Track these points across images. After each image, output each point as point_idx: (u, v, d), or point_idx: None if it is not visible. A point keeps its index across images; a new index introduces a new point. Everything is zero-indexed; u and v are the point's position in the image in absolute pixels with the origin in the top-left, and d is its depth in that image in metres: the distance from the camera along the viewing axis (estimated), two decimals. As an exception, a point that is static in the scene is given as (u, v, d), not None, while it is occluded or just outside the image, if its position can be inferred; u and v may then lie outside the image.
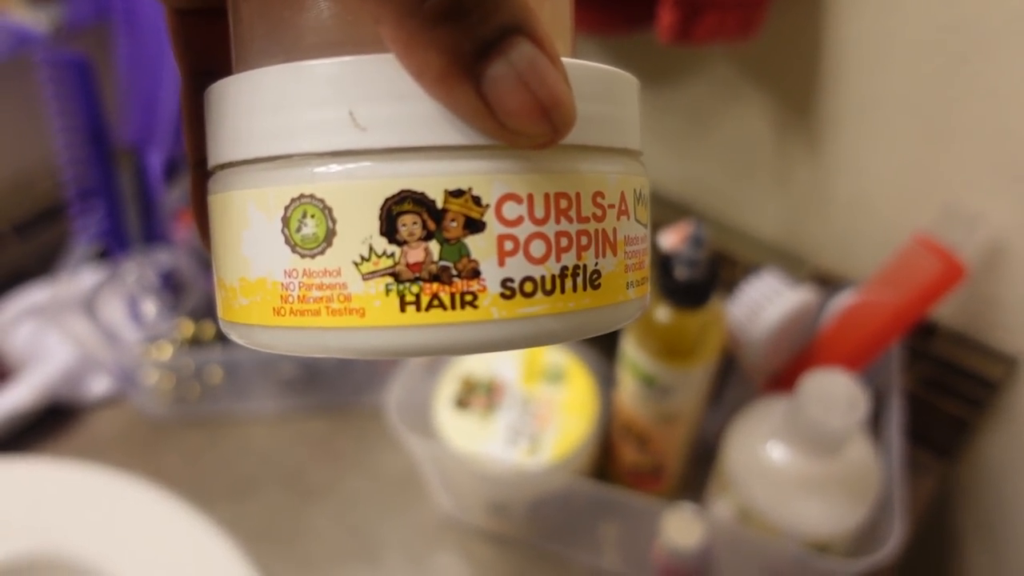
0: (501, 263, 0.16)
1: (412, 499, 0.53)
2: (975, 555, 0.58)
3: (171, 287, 0.59)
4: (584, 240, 0.17)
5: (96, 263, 0.61)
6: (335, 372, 0.57)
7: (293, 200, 0.17)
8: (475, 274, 0.17)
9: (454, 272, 0.17)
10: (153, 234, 0.60)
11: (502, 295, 0.17)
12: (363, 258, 0.17)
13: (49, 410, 0.57)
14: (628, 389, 0.44)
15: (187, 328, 0.58)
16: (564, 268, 0.17)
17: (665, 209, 0.58)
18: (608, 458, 0.52)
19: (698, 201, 0.57)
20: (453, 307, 0.17)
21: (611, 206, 0.17)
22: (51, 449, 0.56)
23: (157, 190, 0.59)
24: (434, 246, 0.16)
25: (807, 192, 0.50)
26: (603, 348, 0.54)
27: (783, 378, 0.47)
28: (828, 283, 0.51)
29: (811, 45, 0.44)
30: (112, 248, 0.60)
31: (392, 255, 0.16)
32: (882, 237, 0.46)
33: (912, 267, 0.39)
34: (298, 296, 0.17)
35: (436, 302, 0.17)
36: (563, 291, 0.17)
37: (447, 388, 0.49)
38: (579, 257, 0.17)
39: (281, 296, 0.17)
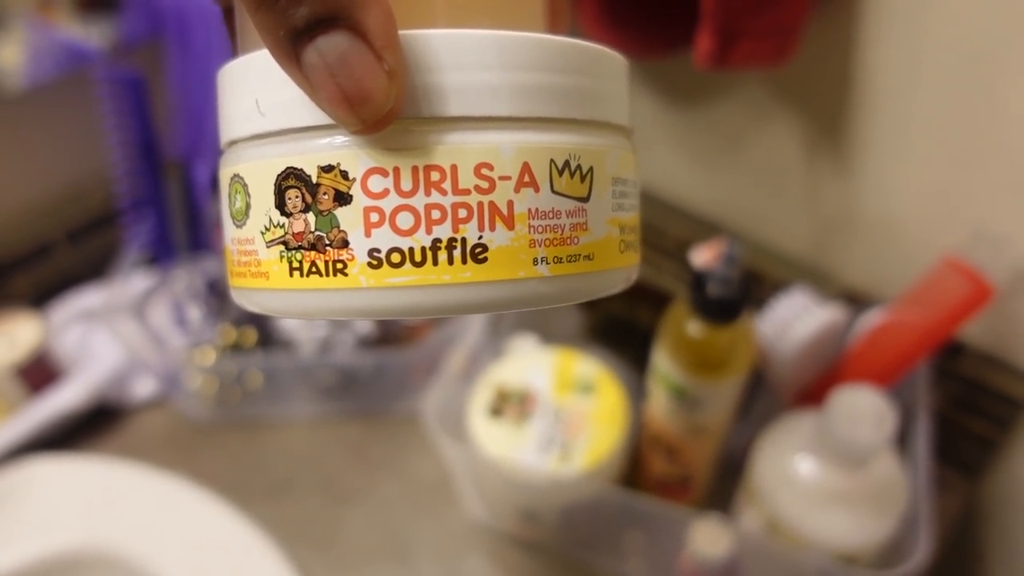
0: (367, 234, 0.17)
1: (444, 504, 0.54)
2: (998, 574, 0.58)
3: (215, 294, 0.61)
4: (463, 213, 0.17)
5: (145, 270, 0.64)
6: (371, 379, 0.59)
7: (230, 179, 0.19)
8: (344, 244, 0.18)
9: (327, 241, 0.18)
10: (199, 243, 0.63)
11: (369, 264, 0.17)
12: (266, 228, 0.19)
13: (96, 410, 0.60)
14: (659, 401, 0.46)
15: (230, 334, 0.60)
16: (436, 240, 0.17)
17: (696, 226, 0.60)
18: (637, 469, 0.53)
19: (728, 218, 0.58)
20: (327, 274, 0.18)
21: (504, 178, 0.17)
22: (97, 448, 0.59)
23: (203, 201, 0.61)
24: (311, 217, 0.18)
25: (835, 211, 0.51)
26: (634, 360, 0.55)
27: (811, 394, 0.48)
28: (856, 301, 0.52)
29: (842, 69, 0.45)
30: (160, 256, 0.62)
31: (282, 225, 0.18)
32: (908, 257, 0.47)
33: (941, 288, 0.40)
34: (237, 260, 0.20)
35: (314, 268, 0.18)
36: (435, 263, 0.17)
37: (481, 396, 0.50)
38: (455, 230, 0.17)
39: (231, 260, 0.20)
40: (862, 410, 0.36)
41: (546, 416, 0.49)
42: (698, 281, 0.40)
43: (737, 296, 0.40)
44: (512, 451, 0.47)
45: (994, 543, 0.57)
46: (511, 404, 0.50)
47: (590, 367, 0.52)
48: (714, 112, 0.53)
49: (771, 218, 0.55)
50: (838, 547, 0.39)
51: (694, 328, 0.42)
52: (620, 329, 0.53)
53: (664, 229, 0.61)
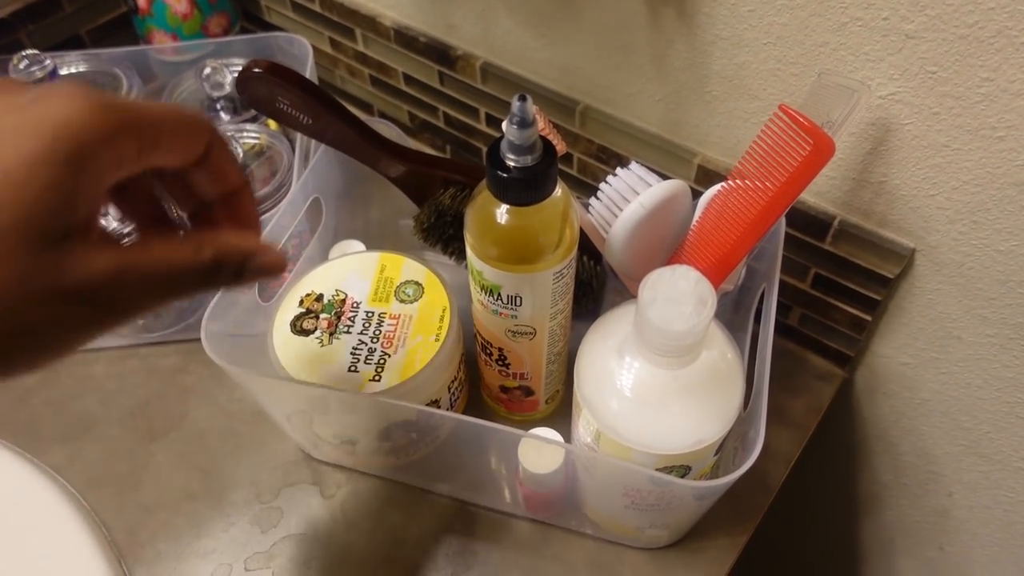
0: None
1: (264, 435, 0.48)
2: (877, 467, 0.55)
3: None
4: None
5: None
6: (184, 305, 0.51)
7: None
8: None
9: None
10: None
11: None
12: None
13: None
14: (477, 301, 0.39)
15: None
16: None
17: (544, 104, 0.52)
18: (480, 380, 0.47)
19: (579, 91, 0.50)
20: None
21: None
22: None
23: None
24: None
25: (685, 72, 0.44)
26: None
27: (658, 283, 0.42)
28: (717, 178, 0.46)
29: None
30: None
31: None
32: (764, 119, 0.41)
33: (780, 145, 0.33)
34: None
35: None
36: None
37: (286, 310, 0.43)
38: None
39: None
40: (678, 293, 0.30)
41: (360, 329, 0.42)
42: (492, 154, 0.33)
43: (538, 167, 0.32)
44: (318, 370, 0.40)
45: (870, 437, 0.54)
46: (323, 317, 0.43)
47: (416, 270, 0.45)
48: (546, -40, 0.45)
49: (624, 89, 0.48)
50: (669, 453, 0.34)
51: (498, 212, 0.34)
52: (452, 223, 0.46)
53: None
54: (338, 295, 0.43)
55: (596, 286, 0.47)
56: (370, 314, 0.42)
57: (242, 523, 0.44)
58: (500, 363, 0.42)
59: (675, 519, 0.40)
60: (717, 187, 0.38)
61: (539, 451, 0.38)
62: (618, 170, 0.40)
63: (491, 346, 0.41)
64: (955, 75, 0.34)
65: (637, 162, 0.40)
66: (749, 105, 0.43)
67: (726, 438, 0.35)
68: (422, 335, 0.41)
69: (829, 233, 0.44)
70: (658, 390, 0.33)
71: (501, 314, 0.38)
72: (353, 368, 0.40)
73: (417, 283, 0.44)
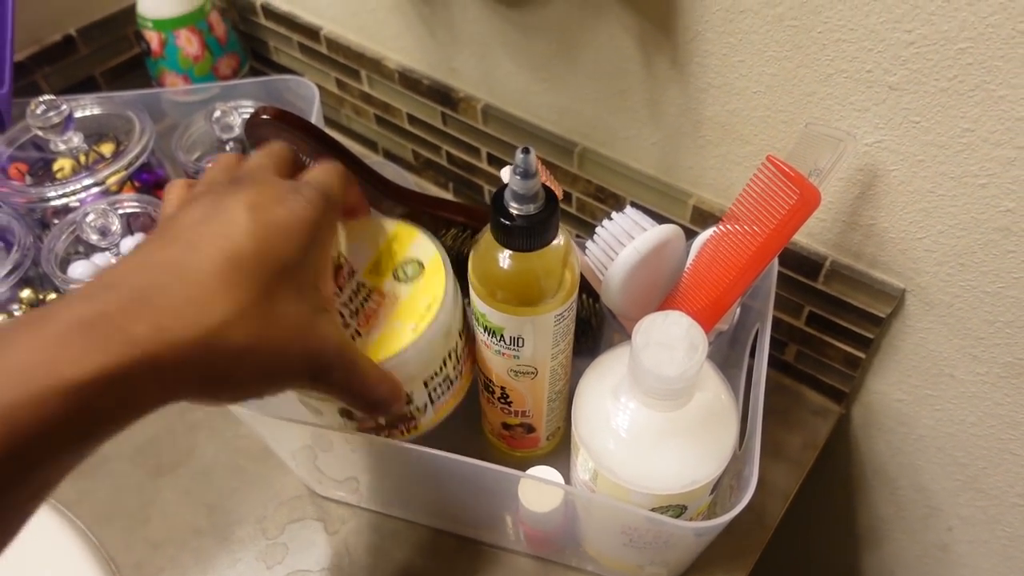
0: None
1: (270, 471, 0.49)
2: (875, 503, 0.56)
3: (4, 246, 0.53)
4: None
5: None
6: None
7: None
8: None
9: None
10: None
11: None
12: None
13: None
14: (480, 341, 0.40)
15: (30, 296, 0.52)
16: None
17: (543, 146, 0.54)
18: (482, 417, 0.48)
19: (577, 133, 0.52)
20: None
21: None
22: None
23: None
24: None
25: (679, 117, 0.45)
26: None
27: (655, 323, 0.43)
28: (712, 219, 0.47)
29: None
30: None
31: None
32: (756, 164, 0.42)
33: (769, 193, 0.34)
34: None
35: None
36: None
37: None
38: None
39: None
40: (671, 338, 0.31)
41: (347, 299, 0.37)
42: (496, 201, 0.34)
43: (541, 215, 0.34)
44: None
45: (868, 471, 0.54)
46: None
47: (426, 250, 0.39)
48: (544, 12, 0.46)
49: (621, 132, 0.49)
50: (665, 493, 0.34)
51: (501, 257, 0.36)
52: (454, 264, 0.47)
53: (516, 148, 0.55)
54: (339, 258, 0.38)
55: (595, 324, 0.48)
56: (361, 286, 0.38)
57: (248, 559, 0.45)
58: (503, 401, 0.43)
59: (673, 556, 0.41)
60: (710, 231, 0.39)
61: (539, 490, 0.39)
62: (613, 214, 0.41)
63: (494, 384, 0.42)
64: (937, 125, 0.36)
65: (632, 206, 0.42)
66: (741, 149, 0.44)
67: (722, 476, 0.36)
68: (401, 321, 0.36)
69: (821, 273, 0.45)
70: (653, 431, 0.34)
71: (504, 354, 0.39)
72: None
73: (420, 263, 0.38)
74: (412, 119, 0.62)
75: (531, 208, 0.34)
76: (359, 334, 0.36)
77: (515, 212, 0.34)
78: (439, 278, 0.38)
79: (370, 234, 0.39)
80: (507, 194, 0.34)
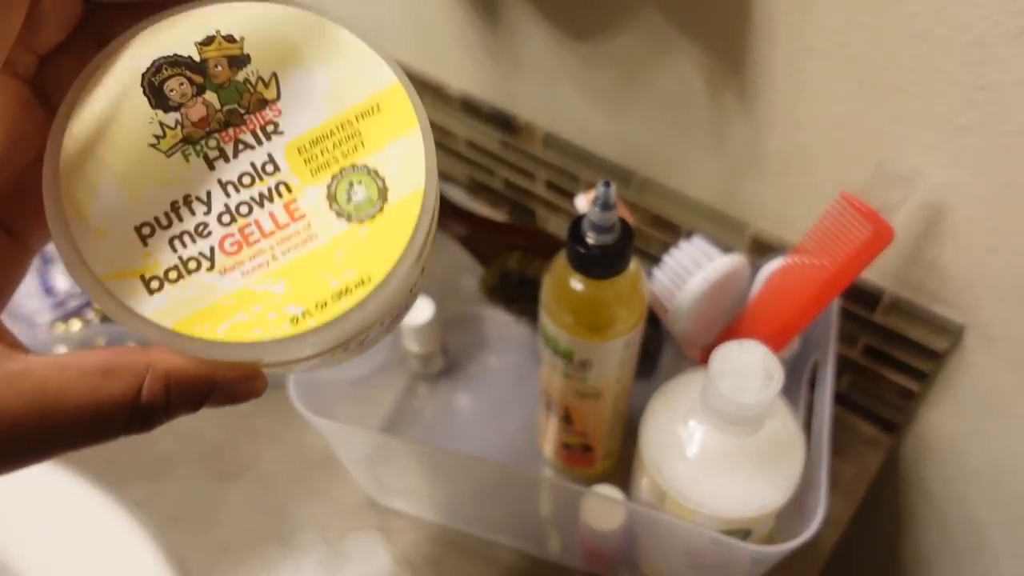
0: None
1: (332, 481, 0.50)
2: (922, 534, 0.56)
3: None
4: None
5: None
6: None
7: None
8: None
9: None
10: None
11: None
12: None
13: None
14: (548, 363, 0.42)
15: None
16: None
17: (606, 173, 0.55)
18: (540, 435, 0.49)
19: (637, 164, 0.53)
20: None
21: None
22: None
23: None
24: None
25: (742, 150, 0.46)
26: (534, 320, 0.51)
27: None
28: (768, 249, 0.48)
29: (742, -11, 0.40)
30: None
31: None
32: (819, 197, 0.43)
33: (841, 229, 0.36)
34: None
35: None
36: None
37: (153, 41, 0.19)
38: None
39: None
40: (747, 367, 0.33)
41: (235, 178, 0.19)
42: (574, 230, 0.36)
43: (617, 245, 0.35)
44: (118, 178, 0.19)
45: (918, 501, 0.55)
46: (205, 98, 0.19)
47: (410, 160, 0.19)
48: (612, 45, 0.48)
49: (681, 162, 0.51)
50: (730, 517, 0.35)
51: (575, 283, 0.37)
52: (518, 286, 0.49)
53: (576, 175, 0.57)
54: (262, 86, 0.19)
55: (653, 349, 0.49)
56: (269, 169, 0.19)
57: (310, 566, 0.46)
58: (565, 421, 0.44)
59: (731, 580, 0.41)
60: (776, 262, 0.41)
61: (601, 508, 0.40)
62: (681, 243, 0.43)
63: (558, 405, 0.43)
64: (1006, 166, 0.36)
65: (699, 235, 0.43)
66: (804, 183, 0.45)
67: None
68: (300, 280, 0.18)
69: (880, 306, 0.46)
70: (724, 456, 0.35)
71: (571, 376, 0.40)
72: (147, 231, 0.18)
73: (383, 186, 0.19)
74: (470, 144, 0.64)
75: (608, 238, 0.35)
76: (207, 264, 0.18)
77: (592, 242, 0.35)
78: (403, 232, 0.19)
79: (341, 77, 0.19)
80: (585, 224, 0.35)
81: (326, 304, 0.18)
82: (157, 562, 0.46)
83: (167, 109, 0.17)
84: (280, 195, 0.19)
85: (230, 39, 0.18)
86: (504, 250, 0.50)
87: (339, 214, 0.19)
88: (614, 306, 0.37)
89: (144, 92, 0.17)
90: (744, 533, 0.37)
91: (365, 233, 0.19)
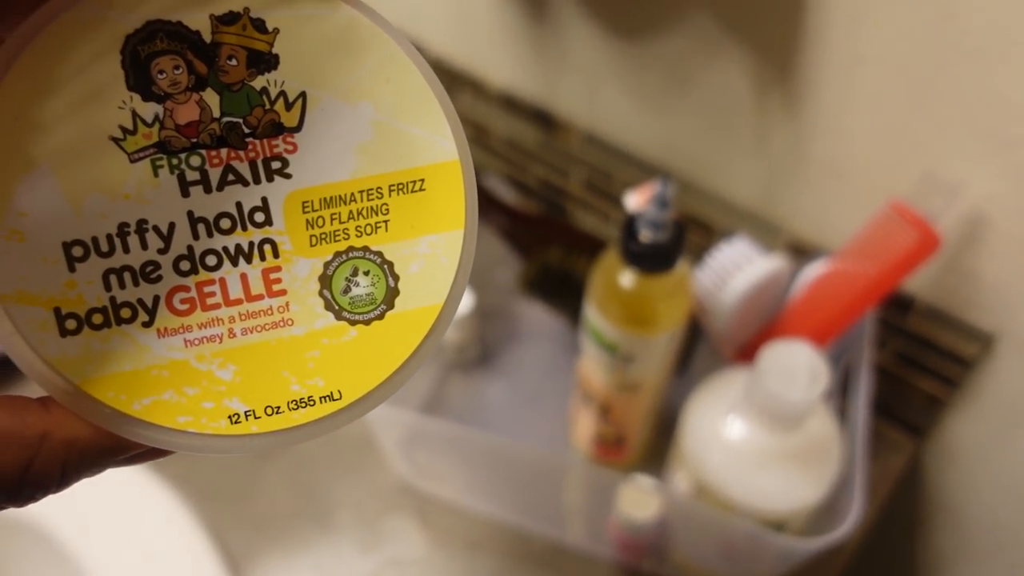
0: None
1: (368, 462, 0.52)
2: (939, 538, 0.57)
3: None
4: None
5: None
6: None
7: None
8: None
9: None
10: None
11: None
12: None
13: (-1, 361, 0.55)
14: (590, 356, 0.43)
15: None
16: None
17: (645, 172, 0.56)
18: (573, 427, 0.50)
19: (677, 164, 0.54)
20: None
21: None
22: None
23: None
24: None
25: (785, 154, 0.47)
26: (572, 314, 0.52)
27: (752, 348, 0.45)
28: (804, 252, 0.49)
29: (795, -2, 0.41)
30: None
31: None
32: (860, 204, 0.44)
33: (886, 236, 0.37)
34: None
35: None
36: None
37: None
38: None
39: None
40: (794, 366, 0.34)
41: (216, 214, 0.15)
42: (628, 227, 0.37)
43: (669, 243, 0.36)
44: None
45: (935, 506, 0.56)
46: (187, 93, 0.15)
47: (448, 235, 0.16)
48: (659, 46, 0.49)
49: (720, 164, 0.52)
50: (767, 511, 0.37)
51: (625, 278, 0.38)
52: (558, 281, 0.50)
53: (611, 174, 0.58)
54: (282, 105, 0.14)
55: (687, 346, 0.50)
56: (259, 219, 0.14)
57: (345, 544, 0.48)
58: (602, 412, 0.45)
59: (760, 571, 0.43)
60: (817, 266, 0.42)
61: (637, 497, 0.41)
62: (722, 244, 0.44)
63: (596, 398, 0.44)
64: (1050, 181, 0.37)
65: (740, 237, 0.44)
66: (845, 189, 0.46)
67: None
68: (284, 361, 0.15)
69: (911, 311, 0.47)
70: (766, 452, 0.36)
71: (614, 370, 0.41)
72: (79, 253, 0.13)
73: (393, 286, 0.15)
74: (506, 140, 0.65)
75: (663, 235, 0.36)
76: (144, 318, 0.14)
77: (646, 238, 0.36)
78: (399, 351, 0.15)
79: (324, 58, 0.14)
80: (640, 220, 0.36)
81: (278, 410, 0.15)
82: (196, 535, 0.47)
83: (147, 96, 0.12)
84: (262, 257, 0.14)
85: (259, 26, 0.12)
86: (544, 245, 0.51)
87: (328, 304, 0.15)
88: (662, 302, 0.38)
89: (122, 63, 0.12)
90: (778, 527, 0.38)
91: (353, 338, 0.15)
